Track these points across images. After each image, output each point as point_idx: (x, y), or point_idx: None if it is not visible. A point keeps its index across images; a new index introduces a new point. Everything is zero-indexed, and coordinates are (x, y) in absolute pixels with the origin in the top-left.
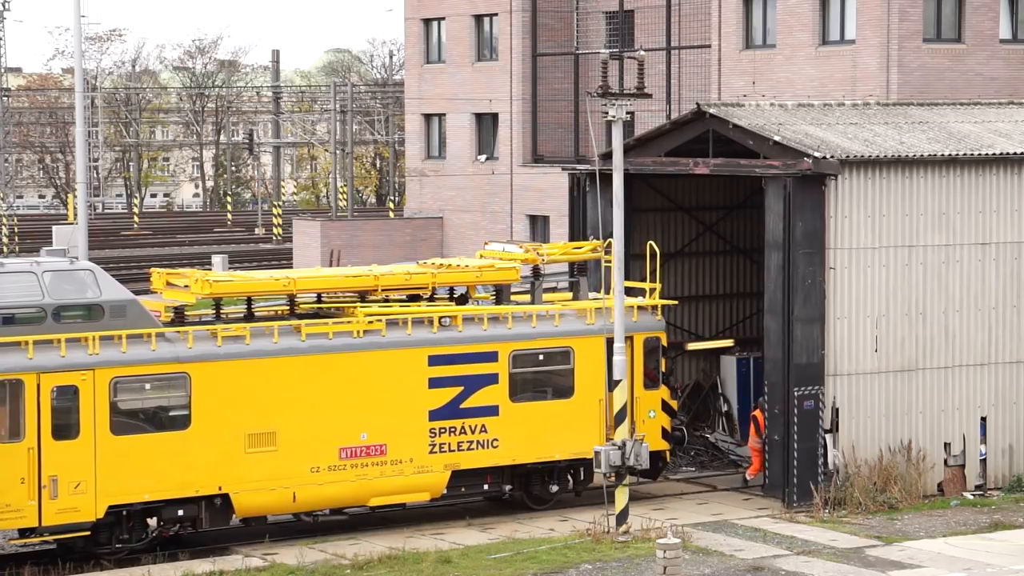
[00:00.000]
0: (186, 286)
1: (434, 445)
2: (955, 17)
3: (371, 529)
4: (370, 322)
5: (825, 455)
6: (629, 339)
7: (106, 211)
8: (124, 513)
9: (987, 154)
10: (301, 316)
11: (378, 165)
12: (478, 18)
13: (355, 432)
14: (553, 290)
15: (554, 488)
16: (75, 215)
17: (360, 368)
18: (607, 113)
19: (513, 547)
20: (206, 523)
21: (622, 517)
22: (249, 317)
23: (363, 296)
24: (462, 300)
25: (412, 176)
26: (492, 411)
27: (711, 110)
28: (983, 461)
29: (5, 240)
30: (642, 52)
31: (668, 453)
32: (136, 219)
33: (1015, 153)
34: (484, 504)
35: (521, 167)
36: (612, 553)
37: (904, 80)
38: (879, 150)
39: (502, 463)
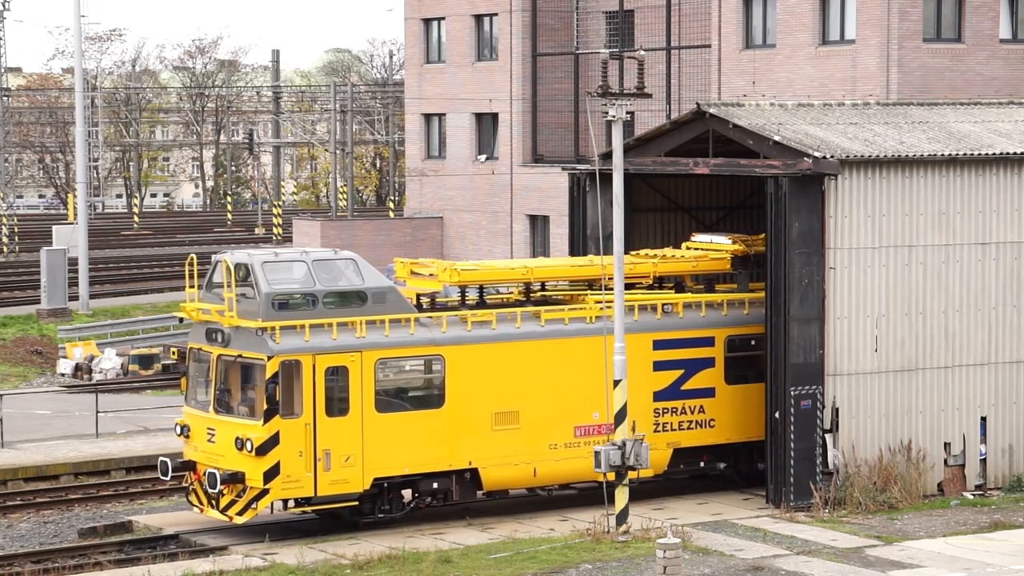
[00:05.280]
0: (431, 275)
1: (658, 424)
2: (955, 17)
3: (371, 529)
4: (601, 308)
5: (824, 455)
6: None
7: (106, 211)
8: (385, 485)
9: (987, 154)
10: (536, 303)
11: (378, 165)
12: (478, 18)
13: (588, 411)
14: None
15: (760, 466)
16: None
17: (592, 351)
18: (607, 113)
19: (513, 547)
20: (456, 495)
21: (622, 517)
22: (481, 304)
23: (590, 284)
24: (679, 288)
25: (412, 176)
26: (709, 393)
27: (711, 110)
28: (983, 461)
29: (5, 240)
30: (642, 52)
31: None
32: (136, 219)
33: (1015, 153)
34: (489, 504)
35: (521, 167)
36: (612, 553)
37: (904, 80)
38: (879, 150)
39: (717, 442)
